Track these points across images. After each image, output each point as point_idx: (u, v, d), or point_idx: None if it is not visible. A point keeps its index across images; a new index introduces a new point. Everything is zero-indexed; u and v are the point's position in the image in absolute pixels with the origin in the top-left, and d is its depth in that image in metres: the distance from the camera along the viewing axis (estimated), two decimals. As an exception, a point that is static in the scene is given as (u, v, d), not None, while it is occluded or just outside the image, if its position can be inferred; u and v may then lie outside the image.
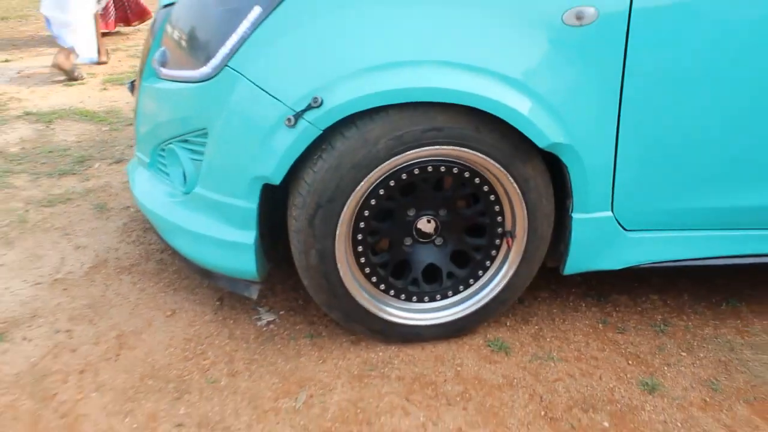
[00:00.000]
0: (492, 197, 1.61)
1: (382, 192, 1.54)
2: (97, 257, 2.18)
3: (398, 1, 1.43)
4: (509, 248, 1.66)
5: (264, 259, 1.68)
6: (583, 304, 1.94)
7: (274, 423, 1.48)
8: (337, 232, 1.54)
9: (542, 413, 1.51)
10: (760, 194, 1.62)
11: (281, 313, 1.88)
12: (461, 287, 1.71)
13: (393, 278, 1.68)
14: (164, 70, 1.73)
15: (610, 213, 1.62)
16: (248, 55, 1.50)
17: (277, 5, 1.47)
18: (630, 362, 1.70)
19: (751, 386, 1.62)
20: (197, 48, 1.62)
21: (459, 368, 1.66)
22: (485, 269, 1.70)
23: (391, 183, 1.53)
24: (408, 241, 1.66)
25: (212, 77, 1.56)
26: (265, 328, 1.81)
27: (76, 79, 4.53)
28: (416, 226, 1.64)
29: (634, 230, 1.66)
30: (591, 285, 2.01)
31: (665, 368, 1.68)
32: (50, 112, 3.76)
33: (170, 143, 1.77)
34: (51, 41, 5.82)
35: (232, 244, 1.63)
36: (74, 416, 1.50)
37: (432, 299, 1.71)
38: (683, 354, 1.73)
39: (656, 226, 1.67)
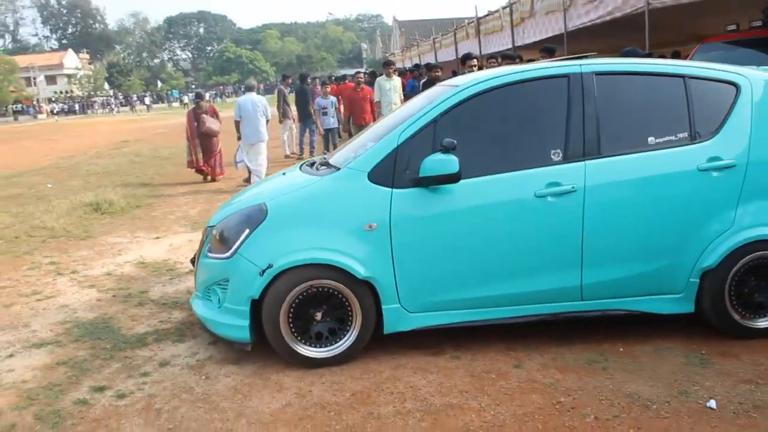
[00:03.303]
0: (343, 298, 3.83)
1: (294, 304, 3.81)
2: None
3: (298, 227, 3.84)
4: (356, 319, 3.87)
5: (253, 333, 3.88)
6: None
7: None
8: (281, 323, 3.81)
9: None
10: (478, 291, 3.87)
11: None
12: (339, 338, 3.89)
13: (308, 337, 3.87)
14: (210, 254, 4.12)
15: (398, 305, 3.87)
16: (245, 248, 3.87)
17: (255, 229, 3.87)
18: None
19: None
20: (224, 244, 4.00)
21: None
22: (348, 329, 3.89)
23: (298, 299, 3.80)
24: (314, 322, 3.87)
25: (231, 257, 3.91)
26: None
27: None
28: (314, 315, 3.87)
29: (413, 312, 3.90)
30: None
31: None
32: (205, 269, 6.19)
33: (212, 286, 4.10)
34: (179, 223, 8.47)
35: (240, 327, 3.89)
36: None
37: (326, 345, 3.89)
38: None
39: (424, 309, 3.90)
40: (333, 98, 13.46)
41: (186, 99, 61.25)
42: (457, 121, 3.96)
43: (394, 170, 3.84)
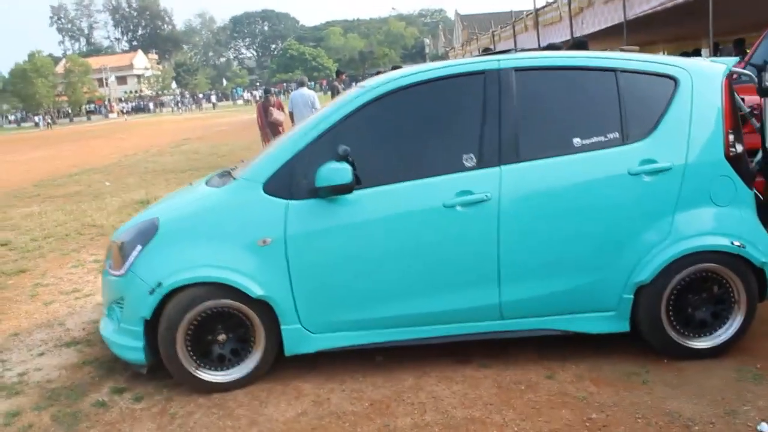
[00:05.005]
0: (246, 319, 3.58)
1: (194, 325, 3.54)
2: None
3: (190, 243, 3.57)
4: (259, 340, 3.62)
5: (149, 354, 3.63)
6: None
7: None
8: (177, 347, 3.54)
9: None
10: (386, 310, 3.56)
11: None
12: (241, 361, 3.65)
13: (208, 360, 3.62)
14: (110, 270, 3.83)
15: (299, 325, 3.59)
16: (136, 265, 3.60)
17: (147, 245, 3.60)
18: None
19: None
20: (119, 261, 3.70)
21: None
22: (250, 351, 3.64)
23: (197, 320, 3.54)
24: (215, 344, 3.63)
25: (124, 275, 3.65)
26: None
27: None
28: (217, 337, 3.63)
29: (316, 333, 3.61)
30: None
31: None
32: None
33: (112, 304, 3.87)
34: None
35: (134, 348, 3.63)
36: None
37: (228, 368, 3.64)
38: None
39: (328, 330, 3.61)
40: None
41: (256, 95, 62.99)
42: (362, 125, 3.65)
43: (291, 180, 3.55)
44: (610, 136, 3.55)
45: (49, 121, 55.10)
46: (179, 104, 69.20)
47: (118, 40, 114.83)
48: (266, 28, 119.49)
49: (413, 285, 3.57)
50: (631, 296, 3.55)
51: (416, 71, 3.76)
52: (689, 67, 3.67)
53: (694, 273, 3.53)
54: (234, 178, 3.82)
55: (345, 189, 3.42)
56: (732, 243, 3.48)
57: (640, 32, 12.63)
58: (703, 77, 3.63)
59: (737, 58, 4.02)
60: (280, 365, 3.81)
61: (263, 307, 3.56)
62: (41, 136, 39.85)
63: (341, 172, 3.38)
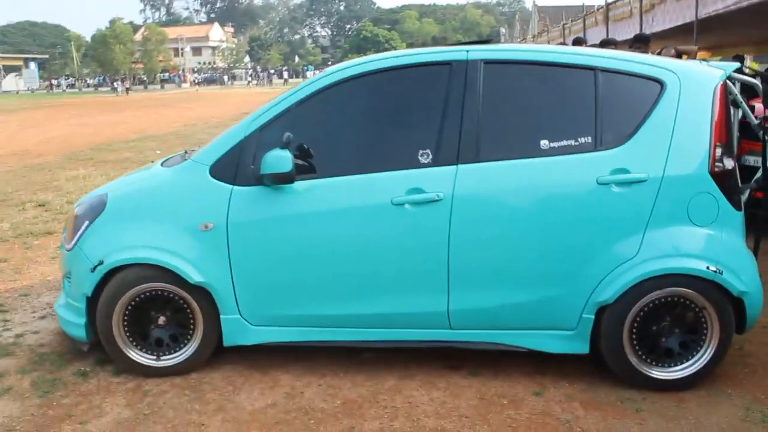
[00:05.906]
0: (184, 303, 3.48)
1: (132, 305, 3.47)
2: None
3: (134, 222, 3.50)
4: (198, 328, 3.51)
5: (91, 332, 3.58)
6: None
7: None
8: (113, 325, 3.48)
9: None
10: (330, 308, 3.42)
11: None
12: (179, 346, 3.55)
13: (143, 343, 3.54)
14: (64, 243, 3.78)
15: (239, 315, 3.46)
16: (83, 240, 3.54)
17: (94, 221, 3.54)
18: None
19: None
20: (70, 233, 3.66)
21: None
22: (190, 336, 3.54)
23: (135, 300, 3.47)
24: (153, 327, 3.54)
25: (73, 249, 3.59)
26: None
27: None
28: (157, 320, 3.54)
29: (255, 325, 3.48)
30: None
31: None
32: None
33: (64, 279, 3.81)
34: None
35: (77, 325, 3.61)
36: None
37: (165, 353, 3.55)
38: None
39: (270, 323, 3.49)
40: None
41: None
42: (316, 112, 3.49)
43: (238, 165, 3.39)
44: (582, 140, 3.26)
45: (127, 86, 56.96)
46: (253, 77, 70.52)
47: (197, 11, 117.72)
48: (342, 7, 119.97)
49: (356, 284, 3.39)
50: (592, 317, 3.28)
51: (378, 58, 3.57)
52: (679, 70, 3.32)
53: (663, 297, 3.23)
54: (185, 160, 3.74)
55: (285, 178, 3.26)
56: (707, 268, 3.16)
57: (713, 33, 11.98)
58: (694, 83, 3.29)
59: (737, 64, 3.64)
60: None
61: (203, 294, 3.47)
62: (115, 101, 41.13)
63: (282, 160, 3.22)
